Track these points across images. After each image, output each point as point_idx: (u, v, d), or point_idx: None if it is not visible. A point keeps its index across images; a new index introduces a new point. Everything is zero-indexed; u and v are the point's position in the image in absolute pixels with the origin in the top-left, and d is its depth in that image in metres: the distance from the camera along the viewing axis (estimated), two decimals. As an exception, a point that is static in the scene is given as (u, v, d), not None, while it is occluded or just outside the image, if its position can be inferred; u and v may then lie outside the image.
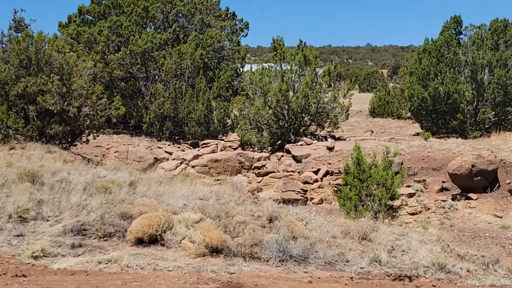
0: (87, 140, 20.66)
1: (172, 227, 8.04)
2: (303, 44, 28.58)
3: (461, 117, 26.98)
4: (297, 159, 22.93)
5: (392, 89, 42.71)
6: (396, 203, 15.51)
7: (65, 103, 18.50)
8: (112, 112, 20.73)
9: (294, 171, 21.51)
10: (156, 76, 30.66)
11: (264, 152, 24.97)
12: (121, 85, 30.79)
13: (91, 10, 33.08)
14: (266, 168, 22.23)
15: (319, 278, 6.89)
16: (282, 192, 18.89)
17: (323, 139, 26.53)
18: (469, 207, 17.79)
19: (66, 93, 18.55)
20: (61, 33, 30.27)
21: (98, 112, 19.71)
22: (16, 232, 7.55)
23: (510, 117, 27.30)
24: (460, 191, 18.53)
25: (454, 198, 18.34)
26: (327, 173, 20.75)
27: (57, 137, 18.90)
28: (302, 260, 7.45)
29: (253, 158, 23.05)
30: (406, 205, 17.72)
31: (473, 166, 18.26)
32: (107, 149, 24.56)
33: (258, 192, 18.76)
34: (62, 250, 7.21)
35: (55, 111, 18.30)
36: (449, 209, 17.66)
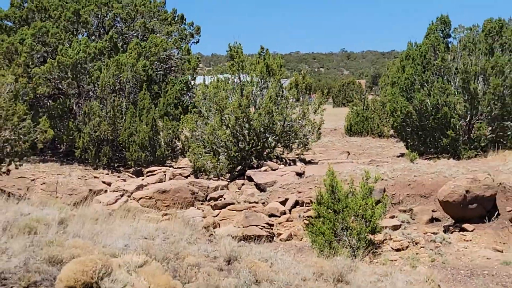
0: (8, 171, 20.45)
1: (110, 273, 7.97)
2: (265, 51, 28.70)
3: (453, 134, 27.33)
4: (260, 188, 22.96)
5: (372, 103, 43.24)
6: (378, 237, 15.61)
7: (-20, 127, 18.32)
8: (38, 136, 20.58)
9: (257, 202, 21.53)
10: (91, 92, 30.52)
11: (222, 180, 24.98)
12: (48, 103, 30.59)
13: (11, 15, 32.85)
14: (224, 199, 22.25)
15: (287, 330, 6.90)
16: (244, 227, 18.87)
17: (291, 163, 26.64)
18: (464, 240, 17.98)
19: (-19, 115, 18.39)
20: (-25, 42, 30.09)
21: (21, 136, 19.55)
22: None
23: (509, 133, 27.70)
24: (453, 221, 18.73)
25: (446, 230, 18.52)
26: (296, 203, 20.81)
27: (-30, 168, 18.70)
28: (267, 309, 7.46)
29: (208, 187, 23.02)
30: (390, 239, 17.84)
31: (467, 191, 18.48)
32: (32, 180, 24.32)
33: (214, 228, 18.73)
34: (-23, 304, 7.10)
35: (-32, 137, 18.11)
36: (440, 243, 17.82)
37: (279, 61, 28.44)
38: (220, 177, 25.50)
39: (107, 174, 27.39)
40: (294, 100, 28.07)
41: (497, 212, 18.60)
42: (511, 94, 27.20)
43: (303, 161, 27.40)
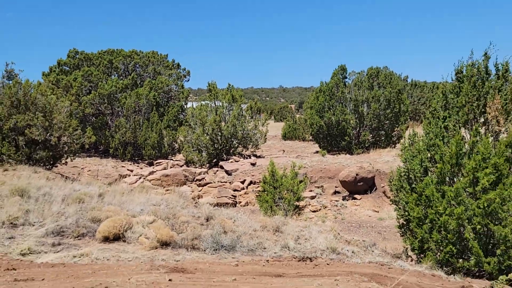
0: (66, 162, 20.17)
1: (131, 227, 7.92)
2: (231, 86, 28.69)
3: (348, 139, 27.58)
4: (228, 173, 22.96)
5: (298, 119, 43.30)
6: (301, 203, 15.70)
7: (48, 134, 18.08)
8: (85, 140, 20.31)
9: (226, 182, 21.52)
10: (120, 112, 30.18)
11: (204, 168, 24.88)
12: (92, 119, 30.18)
13: (68, 62, 32.38)
14: (205, 180, 22.17)
15: (243, 261, 6.91)
16: (217, 198, 18.85)
17: (248, 157, 26.64)
18: (355, 205, 18.17)
19: (48, 126, 18.15)
20: (44, 80, 29.67)
21: (74, 140, 19.32)
22: (7, 235, 7.30)
23: (383, 138, 28.03)
24: (348, 193, 18.91)
25: (344, 198, 18.69)
26: (251, 182, 20.86)
27: (42, 161, 18.40)
28: (231, 248, 7.46)
29: (195, 173, 22.94)
30: (309, 205, 17.96)
31: (357, 174, 18.69)
32: (81, 168, 23.99)
33: (198, 198, 18.68)
34: (45, 248, 7.01)
35: (40, 140, 17.86)
36: (340, 207, 17.99)
37: (240, 92, 28.47)
38: (203, 166, 25.39)
39: (131, 164, 27.09)
40: (249, 117, 28.08)
41: (375, 188, 18.83)
42: (384, 114, 27.52)
43: (255, 156, 27.42)
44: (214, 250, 7.37)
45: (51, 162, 19.21)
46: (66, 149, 19.21)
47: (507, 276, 6.70)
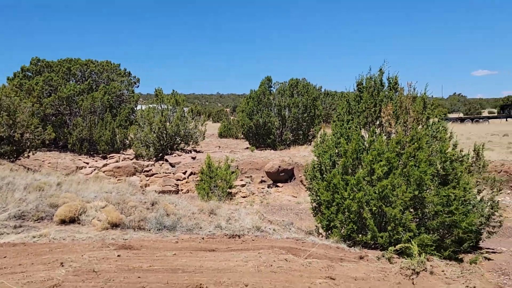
0: (28, 156, 19.26)
1: (86, 211, 7.68)
2: (175, 92, 28.28)
3: (273, 137, 27.91)
4: (172, 165, 22.66)
5: (232, 121, 43.35)
6: (233, 191, 15.77)
7: (12, 131, 17.17)
8: (46, 136, 19.45)
9: (170, 173, 21.23)
10: (77, 113, 28.98)
11: (151, 161, 24.41)
12: (52, 118, 28.81)
13: (30, 69, 30.72)
14: (152, 171, 21.79)
15: (182, 239, 6.87)
16: (162, 186, 18.58)
17: (189, 152, 26.38)
18: (278, 191, 18.39)
19: (12, 124, 17.24)
20: (8, 84, 28.09)
21: (36, 136, 18.46)
22: (-28, 219, 6.91)
23: (301, 137, 28.55)
24: (272, 182, 19.13)
25: (268, 186, 18.89)
26: (191, 173, 20.68)
27: (6, 154, 17.48)
28: (172, 228, 7.39)
29: (143, 165, 22.47)
30: (240, 192, 18.03)
31: (279, 166, 18.94)
32: (42, 161, 22.88)
33: (146, 187, 18.32)
34: (7, 230, 6.67)
35: (4, 136, 16.93)
36: (266, 193, 18.16)
37: (182, 97, 28.10)
38: (150, 160, 24.89)
39: (87, 158, 26.10)
40: (191, 118, 27.79)
41: (294, 177, 19.13)
42: (302, 117, 28.05)
43: (195, 151, 27.19)
44: (157, 230, 7.28)
45: (15, 156, 18.30)
46: (28, 144, 18.34)
47: (394, 247, 7.03)
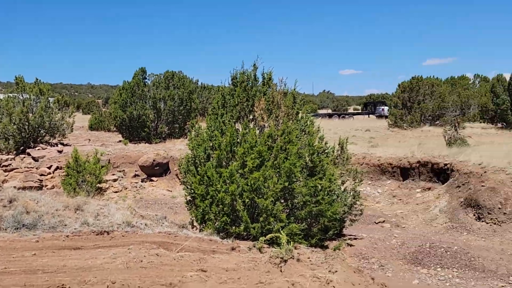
0: None
1: None
2: (38, 81, 26.09)
3: (147, 130, 27.24)
4: (35, 159, 20.87)
5: (104, 113, 41.46)
6: (104, 185, 15.04)
7: None
8: None
9: (33, 168, 19.57)
10: None
11: (11, 155, 22.24)
12: None
13: None
14: (12, 166, 19.87)
15: (44, 238, 6.37)
16: (24, 182, 17.09)
17: (55, 145, 24.54)
18: (152, 186, 18.05)
19: None
20: None
21: None
22: None
23: (177, 130, 28.29)
24: (147, 176, 18.70)
25: (143, 180, 18.44)
26: (57, 168, 19.30)
27: None
28: (32, 227, 6.81)
29: (1, 159, 20.39)
30: (112, 186, 17.31)
31: (154, 160, 18.57)
32: None
33: (4, 183, 16.68)
34: None
35: None
36: (139, 187, 17.71)
37: (47, 86, 25.91)
38: (10, 153, 22.67)
39: None
40: (57, 109, 25.83)
41: (169, 171, 18.92)
42: (178, 110, 27.80)
43: (62, 144, 25.35)
44: (15, 229, 6.66)
45: None
46: None
47: (265, 237, 7.28)
